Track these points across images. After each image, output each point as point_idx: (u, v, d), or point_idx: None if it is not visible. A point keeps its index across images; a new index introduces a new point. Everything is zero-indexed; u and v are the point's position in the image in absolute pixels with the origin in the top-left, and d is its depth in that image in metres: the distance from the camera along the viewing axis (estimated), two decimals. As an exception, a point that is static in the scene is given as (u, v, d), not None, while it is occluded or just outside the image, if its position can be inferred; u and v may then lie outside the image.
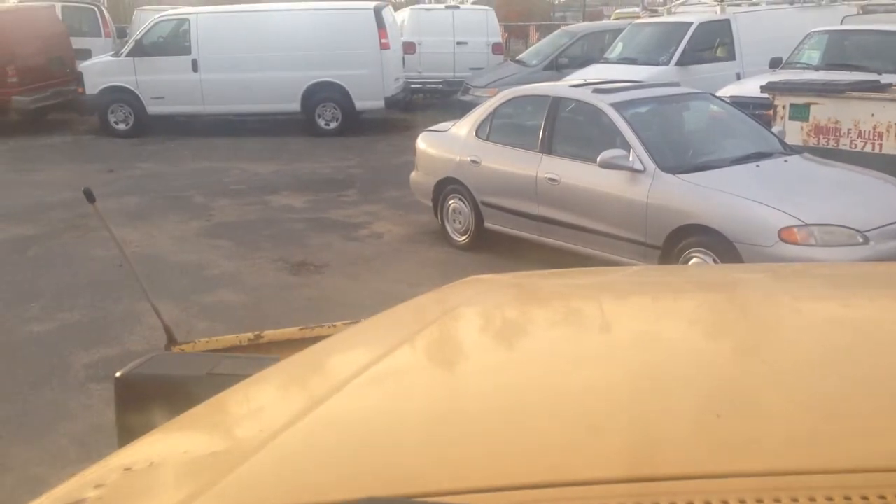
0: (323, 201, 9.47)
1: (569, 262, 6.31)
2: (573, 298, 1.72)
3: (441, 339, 1.47)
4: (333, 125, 14.29)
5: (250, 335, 2.39)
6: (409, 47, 16.53)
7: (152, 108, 14.08)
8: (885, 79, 8.61)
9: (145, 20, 15.53)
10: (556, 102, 7.13)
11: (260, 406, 1.28)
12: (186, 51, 13.94)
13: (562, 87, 7.87)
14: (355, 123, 14.25)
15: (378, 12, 14.26)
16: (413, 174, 8.30)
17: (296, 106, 14.12)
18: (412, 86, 16.42)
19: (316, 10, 14.76)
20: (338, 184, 10.34)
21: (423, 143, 8.23)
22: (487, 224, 7.43)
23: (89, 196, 2.26)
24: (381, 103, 14.23)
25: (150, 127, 13.94)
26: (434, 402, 1.13)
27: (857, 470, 0.81)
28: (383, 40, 13.98)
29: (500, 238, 7.25)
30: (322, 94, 14.15)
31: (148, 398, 1.61)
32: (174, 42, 14.16)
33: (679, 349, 1.26)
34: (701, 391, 1.06)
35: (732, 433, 0.92)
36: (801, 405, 0.99)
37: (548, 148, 6.94)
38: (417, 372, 1.29)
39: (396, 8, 19.75)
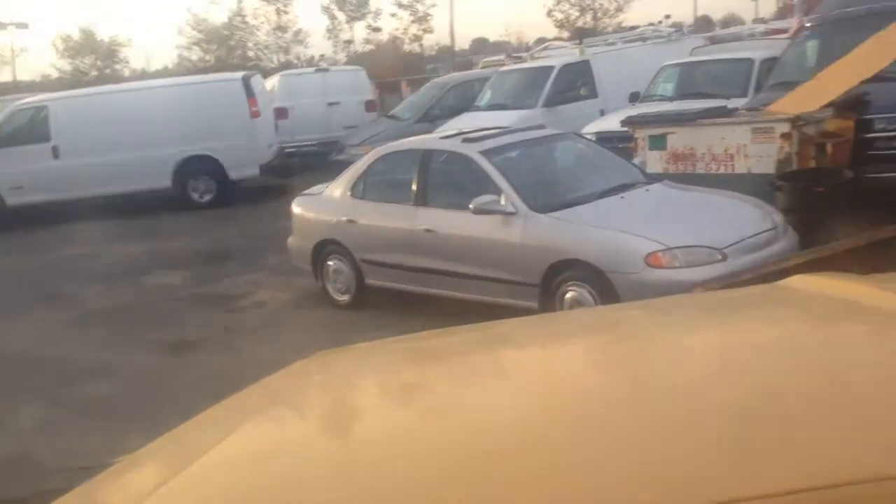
0: (201, 276, 9.23)
1: (451, 309, 6.34)
2: (417, 365, 1.71)
3: (272, 425, 1.45)
4: (208, 197, 14.04)
5: None
6: (281, 112, 16.52)
7: (12, 200, 13.53)
8: (733, 103, 9.11)
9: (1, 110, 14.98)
10: (428, 155, 7.25)
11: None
12: (46, 138, 13.52)
13: (432, 139, 8.01)
14: (231, 193, 14.04)
15: (246, 81, 14.22)
16: (290, 239, 8.21)
17: (166, 182, 13.80)
18: (287, 150, 16.38)
19: (182, 84, 14.62)
20: (216, 256, 10.13)
21: (299, 207, 8.18)
22: (369, 281, 7.41)
23: None
24: (255, 171, 14.11)
25: (10, 218, 13.32)
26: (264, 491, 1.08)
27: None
28: (253, 108, 13.93)
29: (382, 293, 7.23)
30: (194, 168, 13.91)
31: None
32: (32, 130, 13.72)
33: (530, 404, 1.26)
34: (563, 445, 1.07)
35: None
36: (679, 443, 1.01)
37: (422, 200, 7.01)
38: (253, 461, 1.24)
39: (267, 75, 19.75)
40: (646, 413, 1.13)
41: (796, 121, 7.40)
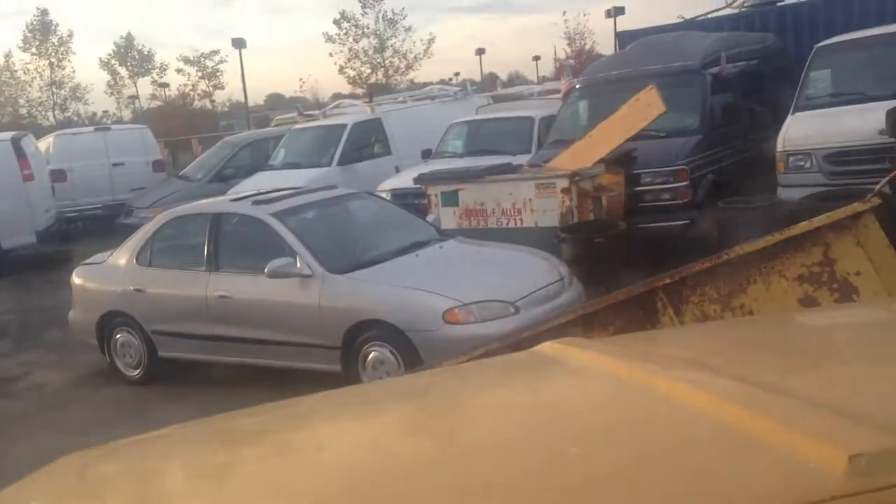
0: (-31, 358, 8.37)
1: (251, 377, 6.17)
2: (179, 470, 1.64)
3: None
4: (-24, 269, 12.84)
5: None
6: (58, 175, 15.51)
7: None
8: (518, 160, 9.64)
9: None
10: (218, 218, 7.05)
11: None
12: None
13: (222, 202, 7.80)
14: (5, 264, 12.90)
15: (16, 143, 13.25)
16: (71, 313, 7.68)
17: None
18: (67, 215, 15.37)
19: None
20: (-14, 335, 9.23)
21: (79, 278, 7.68)
22: (162, 353, 7.06)
23: None
24: (32, 238, 13.10)
25: None
26: None
27: None
28: (25, 171, 12.97)
29: (177, 365, 6.90)
30: (-39, 239, 12.70)
31: None
32: None
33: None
34: None
35: None
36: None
37: (215, 265, 6.80)
38: None
39: (43, 133, 18.49)
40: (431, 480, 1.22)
41: (573, 176, 7.95)
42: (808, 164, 7.82)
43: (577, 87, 10.70)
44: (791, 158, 7.92)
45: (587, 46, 38.25)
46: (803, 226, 2.39)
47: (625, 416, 1.40)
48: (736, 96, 9.53)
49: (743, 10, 14.30)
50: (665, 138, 8.67)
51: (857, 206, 2.33)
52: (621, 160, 8.42)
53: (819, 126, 7.94)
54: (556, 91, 16.93)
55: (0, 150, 13.04)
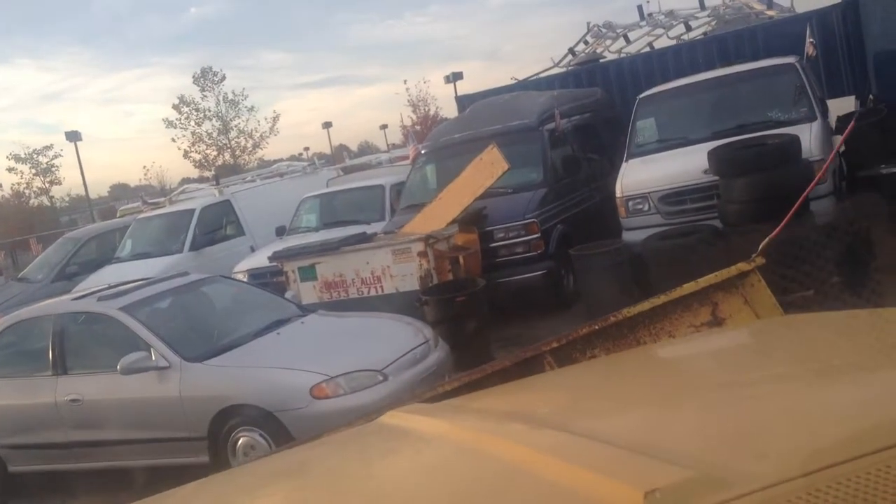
0: None
1: (116, 479, 5.81)
2: None
3: None
4: None
5: None
6: None
7: None
8: (372, 228, 9.72)
9: None
10: (61, 319, 6.72)
11: None
12: None
13: (64, 302, 7.42)
14: None
15: None
16: None
17: None
18: None
19: None
20: None
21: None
22: (12, 468, 6.58)
23: None
24: None
25: None
26: None
27: None
28: None
29: (33, 478, 6.41)
30: None
31: None
32: None
33: None
34: None
35: None
36: None
37: (62, 368, 6.46)
38: None
39: None
40: None
41: (428, 239, 8.08)
42: (646, 207, 8.29)
43: (423, 151, 10.96)
44: (630, 203, 8.37)
45: (431, 111, 39.25)
46: (690, 286, 2.51)
47: (452, 479, 1.47)
48: (574, 148, 10.03)
49: (570, 68, 15.21)
50: (512, 194, 8.98)
51: (742, 266, 2.47)
52: (473, 219, 8.64)
53: (651, 171, 8.46)
54: (404, 158, 17.29)
55: None
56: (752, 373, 1.74)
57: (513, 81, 14.81)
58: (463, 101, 14.28)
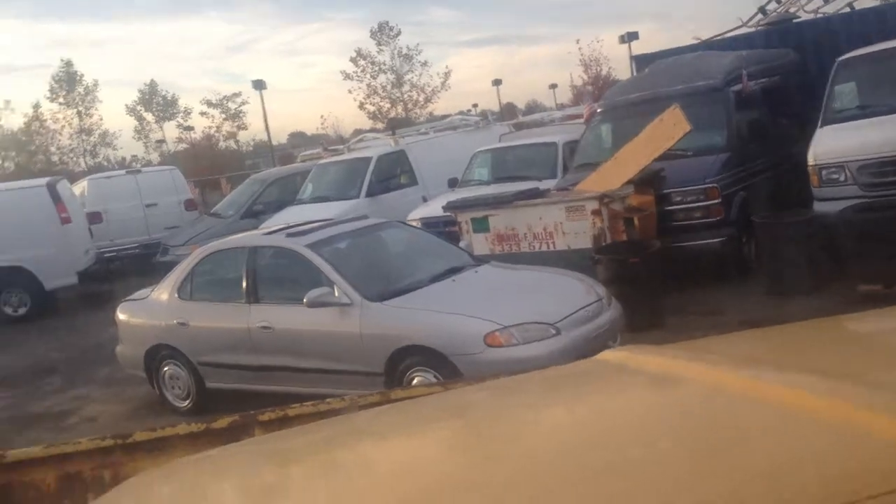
0: (21, 395, 8.59)
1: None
2: (261, 467, 1.69)
3: None
4: (22, 311, 13.18)
5: None
6: (94, 217, 15.86)
7: None
8: (545, 184, 9.74)
9: None
10: (254, 252, 7.18)
11: None
12: None
13: (256, 236, 7.95)
14: (48, 304, 13.20)
15: (52, 187, 13.59)
16: (119, 348, 7.85)
17: (-28, 297, 12.85)
18: (106, 255, 15.68)
19: (-17, 193, 13.75)
20: (38, 373, 9.46)
21: (124, 313, 7.85)
22: (209, 384, 7.19)
23: None
24: (73, 279, 13.42)
25: None
26: None
27: None
28: (63, 215, 13.30)
29: (226, 395, 6.99)
30: (4, 280, 13.03)
31: None
32: None
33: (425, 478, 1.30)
34: None
35: None
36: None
37: (254, 297, 6.92)
38: None
39: (76, 179, 18.89)
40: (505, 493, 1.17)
41: (603, 198, 8.02)
42: (841, 177, 7.82)
43: (599, 111, 10.81)
44: (824, 172, 7.92)
45: (603, 72, 38.42)
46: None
47: (727, 425, 1.27)
48: (761, 112, 9.58)
49: (759, 27, 14.39)
50: (693, 157, 8.73)
51: None
52: (650, 180, 8.48)
53: (849, 139, 7.95)
54: (577, 116, 17.09)
55: (36, 195, 13.40)
56: None
57: (695, 41, 14.23)
58: (640, 61, 13.87)
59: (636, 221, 8.21)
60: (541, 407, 1.71)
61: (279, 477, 1.62)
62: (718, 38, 14.23)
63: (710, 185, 8.40)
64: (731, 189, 8.55)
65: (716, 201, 8.37)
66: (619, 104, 10.29)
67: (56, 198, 13.45)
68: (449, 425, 1.74)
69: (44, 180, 14.46)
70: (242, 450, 1.95)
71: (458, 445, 1.57)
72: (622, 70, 31.81)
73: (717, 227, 8.40)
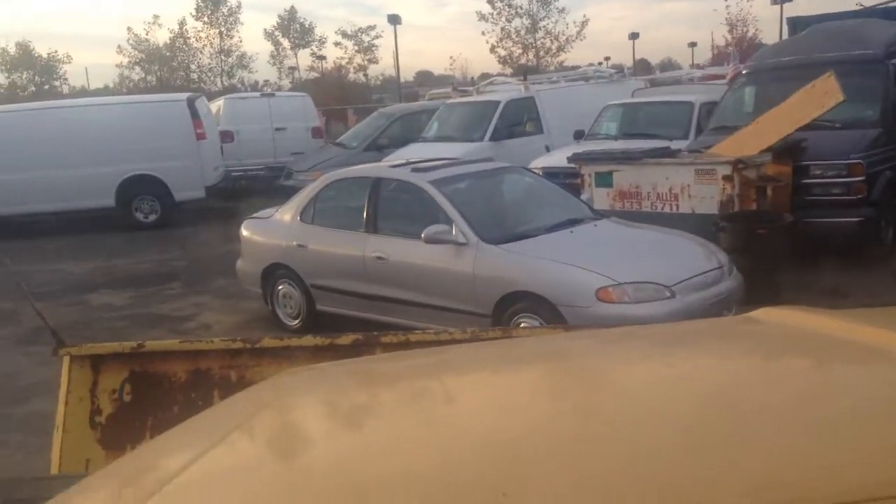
0: (146, 296, 9.08)
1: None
2: (405, 380, 1.70)
3: (263, 434, 1.44)
4: (153, 218, 13.92)
5: (133, 344, 2.86)
6: (226, 136, 16.43)
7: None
8: (675, 145, 9.42)
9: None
10: (378, 183, 7.26)
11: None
12: (-20, 152, 13.12)
13: (382, 167, 8.04)
14: (176, 215, 13.87)
15: (191, 103, 14.13)
16: (239, 262, 8.14)
17: (110, 201, 13.61)
18: (233, 173, 16.27)
19: (127, 103, 14.45)
20: (161, 277, 9.97)
21: (248, 230, 8.12)
22: (320, 306, 7.39)
23: None
24: (201, 193, 14.01)
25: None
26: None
27: None
28: (198, 130, 13.84)
29: (334, 319, 7.19)
30: (138, 188, 13.74)
31: None
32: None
33: (524, 417, 1.27)
34: (550, 454, 1.08)
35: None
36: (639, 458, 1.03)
37: (373, 227, 7.03)
38: (240, 471, 1.23)
39: (211, 98, 19.59)
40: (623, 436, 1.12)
41: (737, 164, 7.68)
42: None
43: (745, 72, 10.30)
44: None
45: (749, 34, 36.60)
46: None
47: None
48: (922, 90, 8.90)
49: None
50: (840, 129, 8.22)
51: None
52: (790, 150, 8.06)
53: None
54: (718, 77, 16.39)
55: (176, 110, 13.98)
56: None
57: (858, 7, 13.33)
58: (795, 24, 13.11)
59: (769, 191, 7.84)
60: (666, 361, 1.61)
61: (367, 399, 1.63)
62: (883, 6, 13.30)
63: (854, 161, 7.91)
64: (877, 168, 8.03)
65: (859, 178, 7.88)
66: (767, 67, 9.78)
67: (194, 113, 13.99)
68: (570, 367, 1.68)
69: (184, 95, 15.07)
70: (337, 370, 1.97)
71: (565, 390, 1.50)
72: (769, 33, 30.25)
73: (856, 206, 7.93)
